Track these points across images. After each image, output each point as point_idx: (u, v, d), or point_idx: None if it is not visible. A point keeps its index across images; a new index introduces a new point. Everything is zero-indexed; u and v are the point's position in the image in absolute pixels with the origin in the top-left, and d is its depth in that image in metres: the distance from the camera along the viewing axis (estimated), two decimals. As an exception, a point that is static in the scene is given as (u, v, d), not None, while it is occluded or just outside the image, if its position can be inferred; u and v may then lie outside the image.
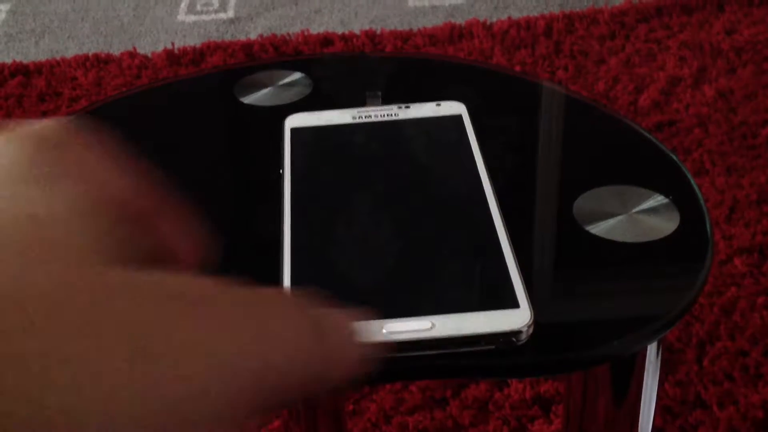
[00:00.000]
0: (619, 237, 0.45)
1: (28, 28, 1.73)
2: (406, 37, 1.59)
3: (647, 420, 0.50)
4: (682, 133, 1.32)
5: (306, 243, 0.43)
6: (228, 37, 1.65)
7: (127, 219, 0.23)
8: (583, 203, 0.47)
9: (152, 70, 1.54)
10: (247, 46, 1.57)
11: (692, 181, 0.49)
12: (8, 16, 1.77)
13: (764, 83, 1.42)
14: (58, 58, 1.59)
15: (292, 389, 0.21)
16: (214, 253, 0.26)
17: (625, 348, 0.41)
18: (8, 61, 1.59)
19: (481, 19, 1.62)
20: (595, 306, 0.43)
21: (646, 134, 0.53)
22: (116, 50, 1.62)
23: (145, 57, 1.58)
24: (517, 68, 1.48)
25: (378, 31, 1.61)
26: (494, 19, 1.63)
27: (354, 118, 0.53)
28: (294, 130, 0.52)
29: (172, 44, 1.61)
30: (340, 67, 0.65)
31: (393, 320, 0.38)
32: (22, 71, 1.55)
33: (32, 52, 1.65)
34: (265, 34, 1.64)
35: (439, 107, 0.53)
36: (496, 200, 0.45)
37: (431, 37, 1.58)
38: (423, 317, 0.38)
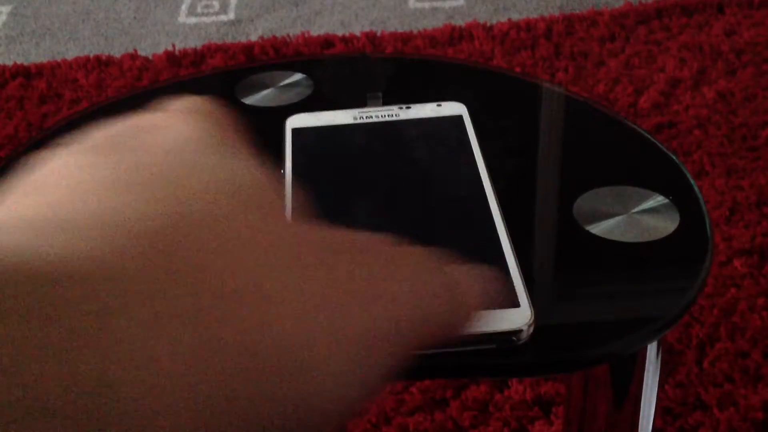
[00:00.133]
0: (619, 237, 0.45)
1: (29, 29, 1.73)
2: (406, 38, 1.59)
3: (647, 421, 0.50)
4: (682, 135, 1.32)
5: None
6: (228, 39, 1.65)
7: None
8: (583, 203, 0.47)
9: (153, 71, 1.54)
10: (248, 48, 1.58)
11: (692, 182, 0.49)
12: (9, 18, 1.77)
13: (764, 85, 1.42)
14: (58, 59, 1.59)
15: (426, 340, 0.23)
16: None
17: (625, 348, 0.41)
18: (9, 63, 1.59)
19: (482, 21, 1.62)
20: (595, 306, 0.43)
21: (646, 134, 0.53)
22: (117, 52, 1.62)
23: (146, 59, 1.58)
24: (517, 70, 1.48)
25: (378, 33, 1.61)
26: (494, 21, 1.63)
27: (355, 118, 0.53)
28: (295, 131, 0.52)
29: (173, 46, 1.61)
30: (340, 68, 0.65)
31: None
32: (23, 73, 1.55)
33: (33, 53, 1.65)
34: (265, 36, 1.64)
35: (440, 108, 0.53)
36: (496, 200, 0.45)
37: (431, 38, 1.58)
38: None
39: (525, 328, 0.38)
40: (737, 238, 1.14)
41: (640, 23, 1.60)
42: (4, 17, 1.78)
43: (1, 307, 0.16)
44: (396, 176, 0.49)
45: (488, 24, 1.61)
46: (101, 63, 1.57)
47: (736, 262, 1.10)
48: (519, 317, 0.38)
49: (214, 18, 1.73)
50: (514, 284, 0.40)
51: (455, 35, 1.59)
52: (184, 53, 1.58)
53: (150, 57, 1.58)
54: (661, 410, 0.94)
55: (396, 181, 0.48)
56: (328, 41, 1.60)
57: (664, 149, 0.52)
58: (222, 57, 1.56)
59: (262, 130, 0.57)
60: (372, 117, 0.53)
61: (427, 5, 1.73)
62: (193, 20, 1.73)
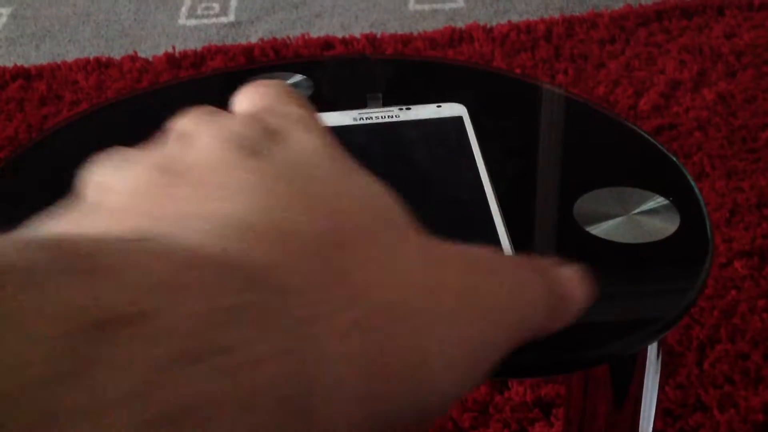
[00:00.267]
0: (619, 238, 0.45)
1: (29, 31, 1.73)
2: (406, 40, 1.59)
3: (648, 422, 0.50)
4: (682, 137, 1.32)
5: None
6: (229, 41, 1.65)
7: None
8: (583, 204, 0.47)
9: (153, 73, 1.54)
10: (248, 50, 1.58)
11: (693, 183, 0.49)
12: (9, 20, 1.78)
13: (764, 87, 1.42)
14: (59, 61, 1.59)
15: (526, 336, 0.26)
16: None
17: (625, 348, 0.41)
18: (9, 64, 1.59)
19: (482, 23, 1.62)
20: (595, 306, 0.43)
21: (647, 136, 0.53)
22: (117, 54, 1.62)
23: (146, 61, 1.58)
24: (517, 72, 1.48)
25: (378, 35, 1.61)
26: (494, 23, 1.63)
27: (355, 119, 0.53)
28: (295, 132, 0.52)
29: (173, 48, 1.61)
30: (340, 69, 0.65)
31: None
32: (23, 75, 1.55)
33: (33, 55, 1.66)
34: (265, 38, 1.64)
35: (440, 109, 0.53)
36: (496, 201, 0.45)
37: (431, 40, 1.59)
38: None
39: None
40: (737, 239, 1.14)
41: (640, 25, 1.60)
42: (4, 19, 1.78)
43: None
44: (396, 177, 0.49)
45: (488, 26, 1.61)
46: (101, 65, 1.57)
47: (737, 264, 1.10)
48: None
49: (214, 20, 1.73)
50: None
51: (455, 37, 1.59)
52: (184, 55, 1.58)
53: (150, 59, 1.58)
54: (662, 412, 0.94)
55: (396, 181, 0.48)
56: (328, 43, 1.60)
57: (665, 150, 0.52)
58: (222, 59, 1.56)
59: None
60: (372, 118, 0.53)
61: (427, 7, 1.73)
62: (193, 22, 1.73)
